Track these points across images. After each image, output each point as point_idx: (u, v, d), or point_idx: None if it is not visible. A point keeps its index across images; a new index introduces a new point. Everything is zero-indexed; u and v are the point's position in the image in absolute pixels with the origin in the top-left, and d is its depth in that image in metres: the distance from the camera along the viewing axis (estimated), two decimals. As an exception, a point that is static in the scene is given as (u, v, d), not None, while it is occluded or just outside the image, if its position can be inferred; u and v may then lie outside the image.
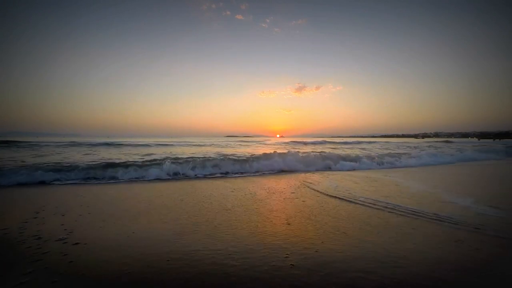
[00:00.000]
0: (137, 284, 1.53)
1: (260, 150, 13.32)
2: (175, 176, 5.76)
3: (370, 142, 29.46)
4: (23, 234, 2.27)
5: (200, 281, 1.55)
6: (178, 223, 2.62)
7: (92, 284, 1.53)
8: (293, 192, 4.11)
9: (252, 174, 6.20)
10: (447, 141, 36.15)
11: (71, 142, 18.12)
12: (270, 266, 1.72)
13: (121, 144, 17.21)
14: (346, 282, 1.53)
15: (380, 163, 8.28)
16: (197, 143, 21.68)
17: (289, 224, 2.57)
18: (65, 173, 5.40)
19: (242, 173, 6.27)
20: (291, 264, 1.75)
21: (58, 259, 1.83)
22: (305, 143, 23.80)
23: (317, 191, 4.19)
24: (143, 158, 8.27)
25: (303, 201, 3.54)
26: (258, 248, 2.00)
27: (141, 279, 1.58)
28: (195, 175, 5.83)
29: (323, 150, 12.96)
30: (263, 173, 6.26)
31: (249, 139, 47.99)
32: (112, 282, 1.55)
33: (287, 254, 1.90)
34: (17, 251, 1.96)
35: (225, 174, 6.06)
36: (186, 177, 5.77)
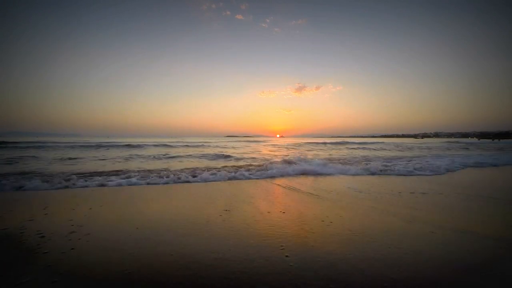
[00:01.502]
0: (137, 284, 1.53)
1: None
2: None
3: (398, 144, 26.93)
4: (23, 234, 2.28)
5: (200, 282, 1.56)
6: (179, 223, 2.62)
7: (92, 284, 1.53)
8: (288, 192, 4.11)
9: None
10: (457, 142, 35.54)
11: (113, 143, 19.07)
12: (268, 262, 1.72)
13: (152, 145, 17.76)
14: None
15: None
16: (222, 144, 21.19)
17: (284, 212, 2.57)
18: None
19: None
20: (286, 255, 1.78)
21: (58, 258, 1.83)
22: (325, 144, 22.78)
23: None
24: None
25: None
26: (256, 246, 2.01)
27: (141, 279, 1.58)
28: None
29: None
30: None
31: (259, 139, 47.05)
32: (112, 282, 1.55)
33: (282, 246, 1.90)
34: (18, 250, 1.96)
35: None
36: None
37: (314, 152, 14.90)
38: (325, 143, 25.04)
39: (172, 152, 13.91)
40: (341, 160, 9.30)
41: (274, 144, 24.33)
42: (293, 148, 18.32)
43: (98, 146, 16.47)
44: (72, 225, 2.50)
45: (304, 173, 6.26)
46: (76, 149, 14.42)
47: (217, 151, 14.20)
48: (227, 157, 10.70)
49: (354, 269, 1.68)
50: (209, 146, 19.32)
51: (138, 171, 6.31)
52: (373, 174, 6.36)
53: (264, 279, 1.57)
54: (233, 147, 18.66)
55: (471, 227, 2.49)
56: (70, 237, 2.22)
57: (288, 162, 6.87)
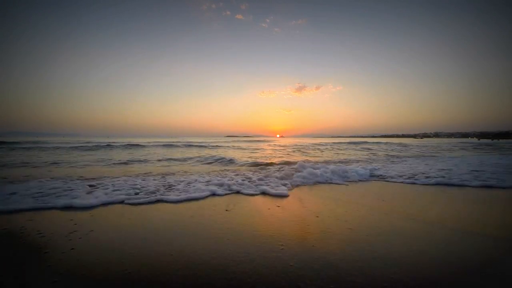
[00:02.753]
0: (137, 284, 1.53)
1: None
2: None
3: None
4: (23, 234, 2.27)
5: (200, 282, 1.56)
6: (179, 224, 2.62)
7: (92, 284, 1.53)
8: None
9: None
10: (464, 142, 34.48)
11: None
12: (268, 262, 1.73)
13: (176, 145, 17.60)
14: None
15: None
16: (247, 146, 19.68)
17: (284, 213, 2.57)
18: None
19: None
20: (286, 255, 1.77)
21: (58, 258, 1.83)
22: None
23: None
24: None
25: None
26: (256, 246, 2.01)
27: (141, 279, 1.58)
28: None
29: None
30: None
31: (260, 139, 46.17)
32: (113, 282, 1.55)
33: (282, 245, 1.90)
34: (18, 250, 1.96)
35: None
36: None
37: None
38: (340, 143, 23.44)
39: (173, 152, 13.85)
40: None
41: (282, 145, 22.39)
42: (300, 150, 17.80)
43: (97, 146, 16.27)
44: (75, 224, 2.51)
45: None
46: (76, 149, 14.41)
47: (218, 153, 14.14)
48: (230, 162, 9.13)
49: (354, 269, 1.68)
50: (210, 147, 18.66)
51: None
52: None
53: (264, 279, 1.57)
54: (235, 147, 18.59)
55: (471, 227, 2.49)
56: (70, 237, 2.22)
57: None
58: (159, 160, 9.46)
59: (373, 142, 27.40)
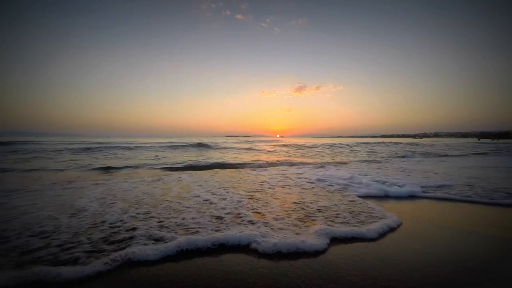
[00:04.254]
0: (138, 284, 1.53)
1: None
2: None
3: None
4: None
5: (200, 282, 1.56)
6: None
7: (93, 284, 1.53)
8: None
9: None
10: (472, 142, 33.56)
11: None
12: (268, 262, 1.73)
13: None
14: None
15: None
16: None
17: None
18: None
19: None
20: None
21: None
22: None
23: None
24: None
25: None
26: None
27: (142, 279, 1.58)
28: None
29: None
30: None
31: (261, 139, 45.14)
32: (113, 282, 1.55)
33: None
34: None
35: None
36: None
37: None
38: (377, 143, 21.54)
39: (173, 154, 13.67)
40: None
41: (285, 145, 19.61)
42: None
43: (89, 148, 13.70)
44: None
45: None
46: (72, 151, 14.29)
47: (224, 155, 13.93)
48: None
49: (354, 269, 1.68)
50: (211, 147, 17.11)
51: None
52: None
53: (264, 279, 1.57)
54: (240, 148, 18.41)
55: (471, 227, 2.49)
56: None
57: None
58: (149, 165, 7.83)
59: (390, 143, 26.27)
